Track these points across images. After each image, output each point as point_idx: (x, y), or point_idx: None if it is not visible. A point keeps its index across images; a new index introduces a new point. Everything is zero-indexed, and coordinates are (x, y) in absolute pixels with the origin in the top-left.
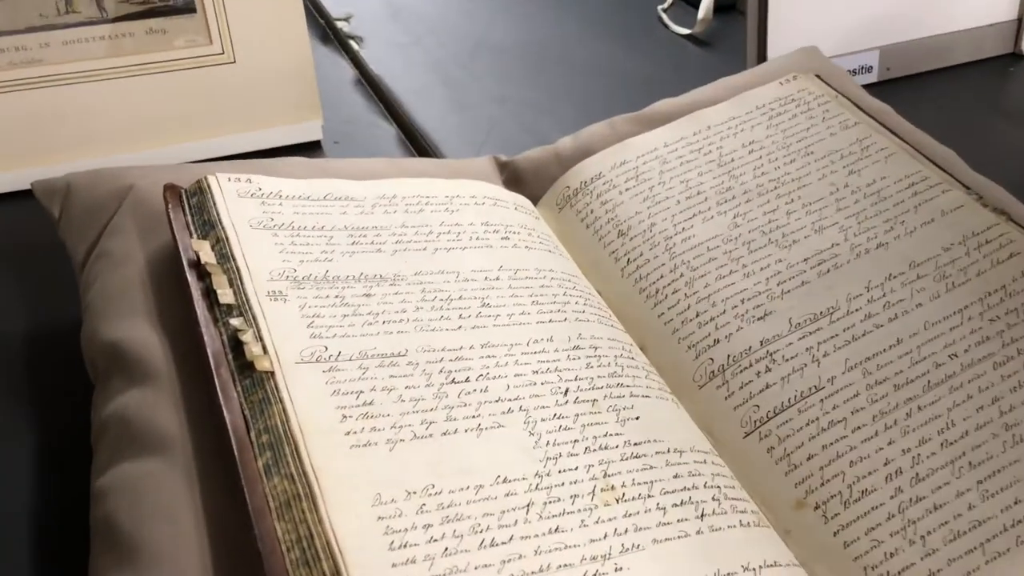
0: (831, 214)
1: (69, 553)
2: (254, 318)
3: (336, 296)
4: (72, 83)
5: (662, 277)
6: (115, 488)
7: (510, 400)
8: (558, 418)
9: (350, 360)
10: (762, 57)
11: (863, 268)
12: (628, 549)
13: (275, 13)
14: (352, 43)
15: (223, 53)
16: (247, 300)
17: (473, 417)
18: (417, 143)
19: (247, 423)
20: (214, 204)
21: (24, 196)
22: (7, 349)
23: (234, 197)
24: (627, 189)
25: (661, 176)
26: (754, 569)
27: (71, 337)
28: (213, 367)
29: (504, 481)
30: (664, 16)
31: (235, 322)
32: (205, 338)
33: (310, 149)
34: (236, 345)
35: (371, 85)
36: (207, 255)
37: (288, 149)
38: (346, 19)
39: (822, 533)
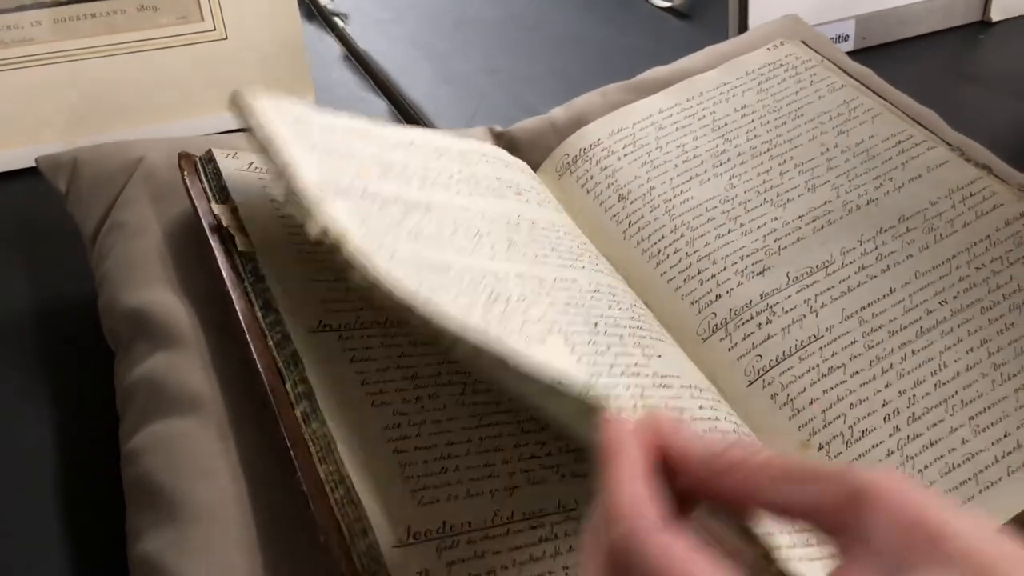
0: (823, 173)
1: (99, 517)
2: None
3: (378, 211)
4: (64, 61)
5: (663, 238)
6: (149, 448)
7: (551, 321)
8: (593, 344)
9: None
10: (744, 27)
11: (855, 223)
12: None
13: None
14: (337, 20)
15: (215, 30)
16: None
17: (520, 331)
18: (409, 116)
19: (282, 376)
20: (221, 174)
21: (19, 175)
22: (18, 326)
23: (231, 171)
24: (626, 155)
25: (658, 141)
26: None
27: (81, 311)
28: (244, 325)
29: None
30: None
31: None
32: (233, 298)
33: None
34: (265, 303)
35: (359, 61)
36: (227, 218)
37: None
38: None
39: None
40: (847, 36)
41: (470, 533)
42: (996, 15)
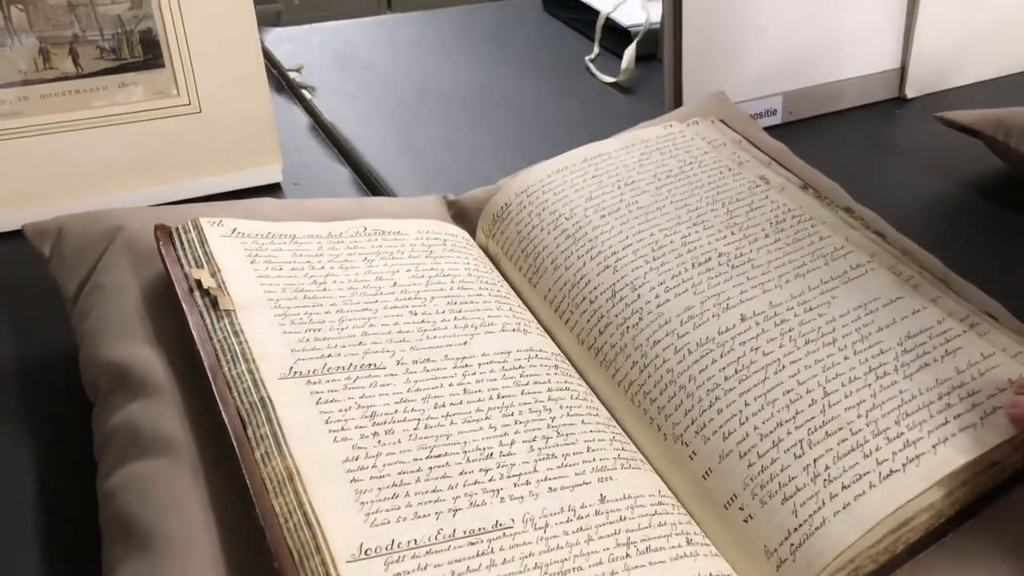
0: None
1: (77, 554)
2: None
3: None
4: (49, 133)
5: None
6: (124, 486)
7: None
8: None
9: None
10: (679, 102)
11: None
12: None
13: (237, 66)
14: (305, 92)
15: (189, 104)
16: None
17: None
18: (370, 184)
19: (243, 422)
20: (206, 240)
21: (5, 237)
22: (1, 377)
23: (217, 237)
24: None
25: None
26: None
27: (61, 365)
28: (210, 376)
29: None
30: (591, 66)
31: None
32: (202, 354)
33: (271, 190)
34: (238, 355)
35: (324, 131)
36: (208, 280)
37: (251, 191)
38: (298, 70)
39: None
40: (775, 110)
41: (415, 549)
42: (910, 92)
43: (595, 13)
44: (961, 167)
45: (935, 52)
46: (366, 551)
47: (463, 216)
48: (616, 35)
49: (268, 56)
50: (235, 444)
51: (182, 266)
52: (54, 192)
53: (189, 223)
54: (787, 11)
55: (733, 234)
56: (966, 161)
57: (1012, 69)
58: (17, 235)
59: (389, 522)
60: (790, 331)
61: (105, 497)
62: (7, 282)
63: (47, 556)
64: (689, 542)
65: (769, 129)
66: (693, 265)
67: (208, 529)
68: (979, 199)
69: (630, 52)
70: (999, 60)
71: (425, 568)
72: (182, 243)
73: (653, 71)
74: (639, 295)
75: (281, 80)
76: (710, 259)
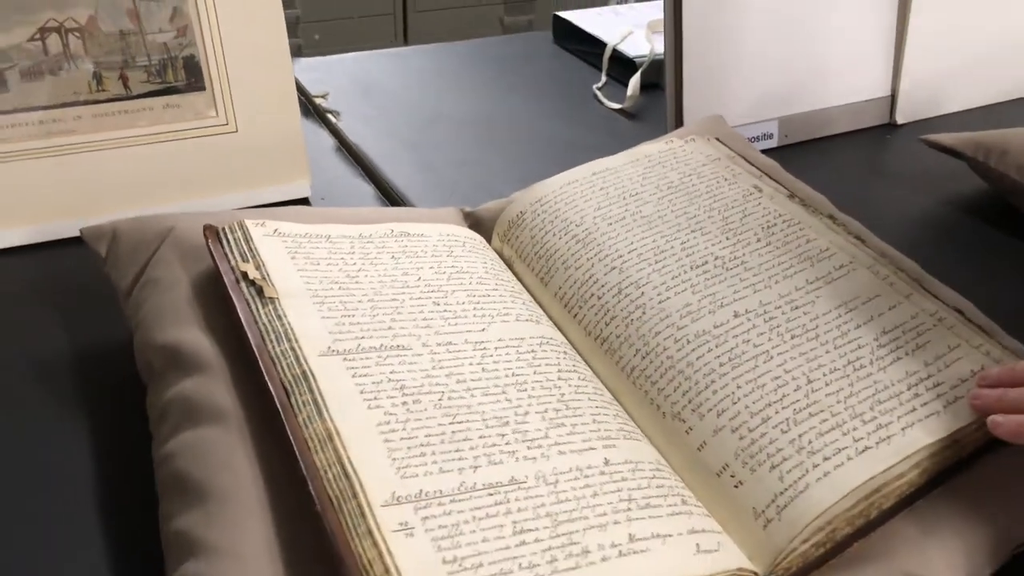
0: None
1: (133, 515)
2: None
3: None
4: (99, 150)
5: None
6: (180, 451)
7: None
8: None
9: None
10: (679, 125)
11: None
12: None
13: (271, 89)
14: (330, 116)
15: (227, 124)
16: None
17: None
18: (392, 198)
19: (287, 392)
20: (251, 238)
21: (54, 245)
22: (59, 367)
23: (260, 236)
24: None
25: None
26: None
27: (115, 355)
28: (257, 354)
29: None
30: (599, 94)
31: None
32: (249, 336)
33: (301, 205)
34: (281, 335)
35: (349, 151)
36: (253, 272)
37: (282, 205)
38: (323, 96)
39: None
40: (771, 134)
41: (440, 498)
42: (900, 119)
43: (603, 45)
44: (947, 188)
45: (924, 80)
46: (398, 498)
47: (478, 226)
48: (622, 65)
49: (296, 83)
50: (280, 410)
51: (228, 260)
52: (104, 204)
53: (235, 223)
54: (782, 40)
55: (728, 239)
56: (951, 182)
57: (1000, 97)
58: (66, 243)
59: (418, 475)
60: (778, 327)
61: (162, 461)
62: (65, 284)
63: (107, 519)
64: (684, 503)
65: (766, 152)
66: (691, 267)
67: (256, 483)
68: (964, 216)
69: (635, 81)
70: (987, 87)
71: (449, 513)
72: (228, 241)
73: (656, 98)
74: (642, 292)
75: (308, 105)
76: (707, 262)
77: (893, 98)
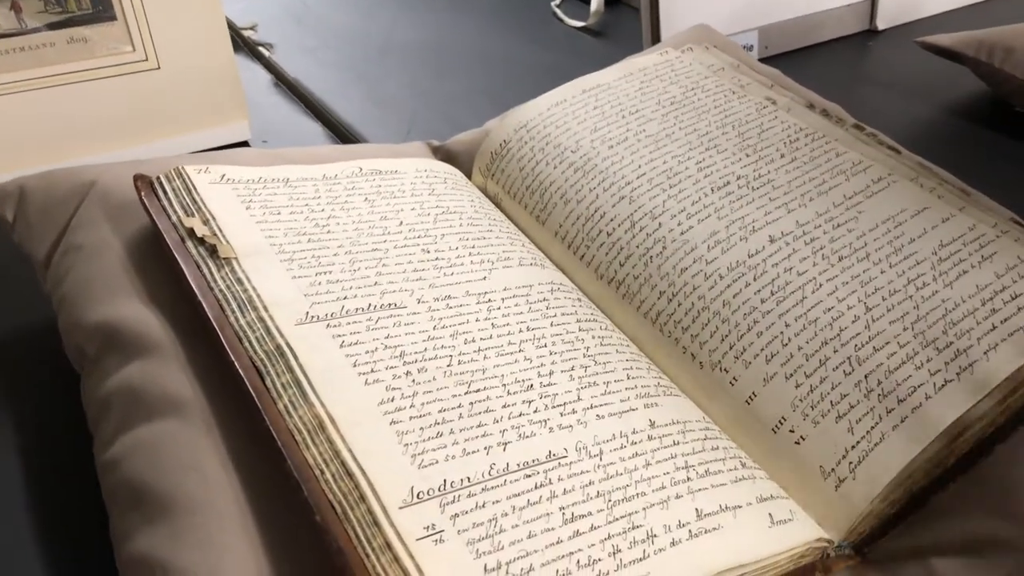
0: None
1: (74, 533)
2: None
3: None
4: None
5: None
6: (131, 452)
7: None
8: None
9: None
10: (656, 40)
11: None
12: None
13: (196, 17)
14: (262, 49)
15: (147, 59)
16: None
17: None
18: (344, 137)
19: (260, 373)
20: (193, 187)
21: None
22: None
23: (205, 184)
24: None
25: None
26: None
27: (32, 343)
28: (217, 328)
29: None
30: (558, 11)
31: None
32: (204, 304)
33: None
34: (238, 306)
35: (289, 87)
36: (200, 228)
37: (218, 150)
38: (252, 27)
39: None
40: (751, 46)
41: (470, 487)
42: (881, 24)
43: None
44: (941, 93)
45: None
46: (418, 494)
47: (452, 161)
48: None
49: None
50: (254, 396)
51: (169, 216)
52: (8, 160)
53: (172, 171)
54: None
55: (748, 156)
56: (944, 87)
57: None
58: None
59: (438, 461)
60: (821, 248)
61: (108, 467)
62: None
63: (44, 537)
64: (743, 465)
65: None
66: (712, 190)
67: (231, 488)
68: (964, 122)
69: None
70: None
71: (483, 506)
72: (166, 192)
73: (622, 15)
74: (660, 223)
75: (237, 39)
76: (728, 182)
77: (873, 2)
